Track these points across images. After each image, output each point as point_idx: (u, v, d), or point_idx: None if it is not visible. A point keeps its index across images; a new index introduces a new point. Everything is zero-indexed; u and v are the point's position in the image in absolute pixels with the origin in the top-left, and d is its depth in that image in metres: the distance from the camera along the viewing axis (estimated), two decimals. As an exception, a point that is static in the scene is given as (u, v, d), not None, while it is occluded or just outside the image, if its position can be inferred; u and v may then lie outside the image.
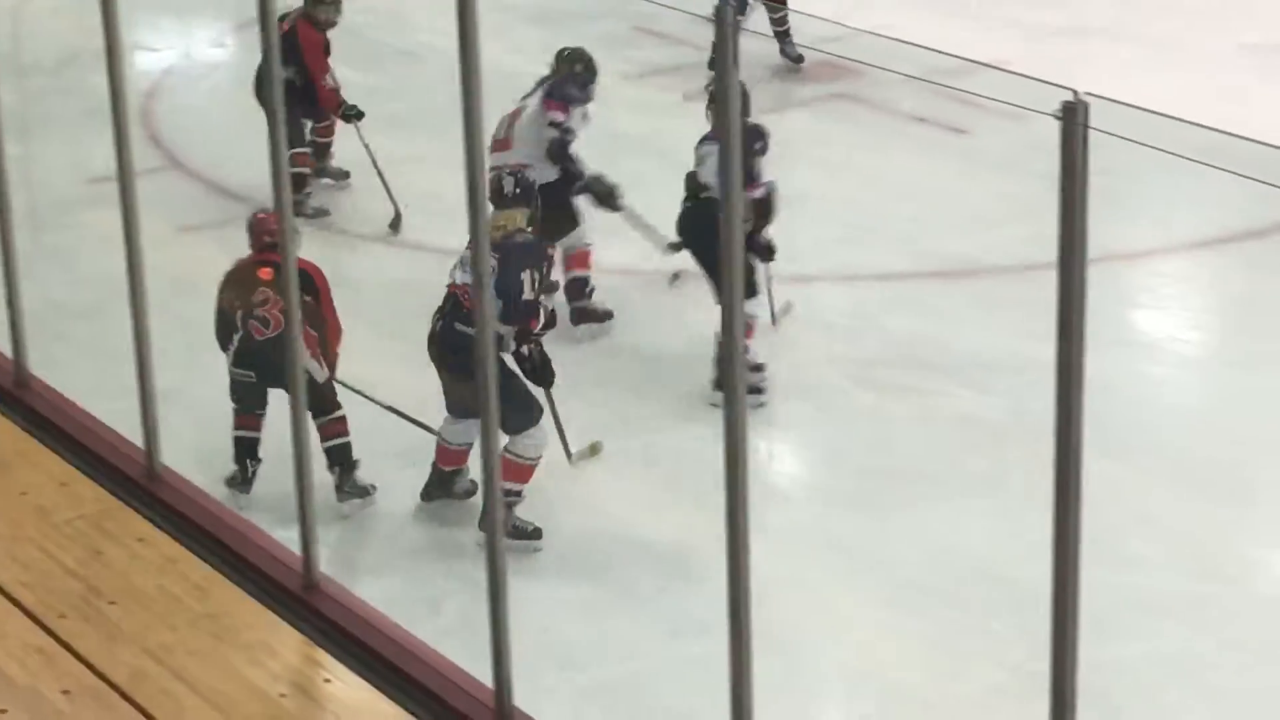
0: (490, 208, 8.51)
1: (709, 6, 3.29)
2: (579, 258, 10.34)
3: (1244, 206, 11.09)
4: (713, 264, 9.48)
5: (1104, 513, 7.71)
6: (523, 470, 8.25)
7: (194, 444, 8.26)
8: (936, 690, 7.27)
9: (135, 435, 4.88)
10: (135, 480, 4.83)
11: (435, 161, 10.65)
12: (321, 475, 8.39)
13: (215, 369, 8.77)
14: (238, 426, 8.60)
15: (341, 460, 8.54)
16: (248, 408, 8.55)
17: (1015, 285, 10.35)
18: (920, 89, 12.15)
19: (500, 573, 3.83)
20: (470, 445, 8.41)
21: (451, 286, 8.34)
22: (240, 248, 8.88)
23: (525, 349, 8.30)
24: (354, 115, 11.66)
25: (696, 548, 7.80)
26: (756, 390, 9.20)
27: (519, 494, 8.27)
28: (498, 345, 8.21)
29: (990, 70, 12.00)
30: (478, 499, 8.33)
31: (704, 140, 9.72)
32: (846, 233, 10.20)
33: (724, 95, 3.21)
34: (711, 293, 9.15)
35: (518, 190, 8.63)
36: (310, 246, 10.25)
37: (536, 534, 8.25)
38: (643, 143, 11.05)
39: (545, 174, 10.06)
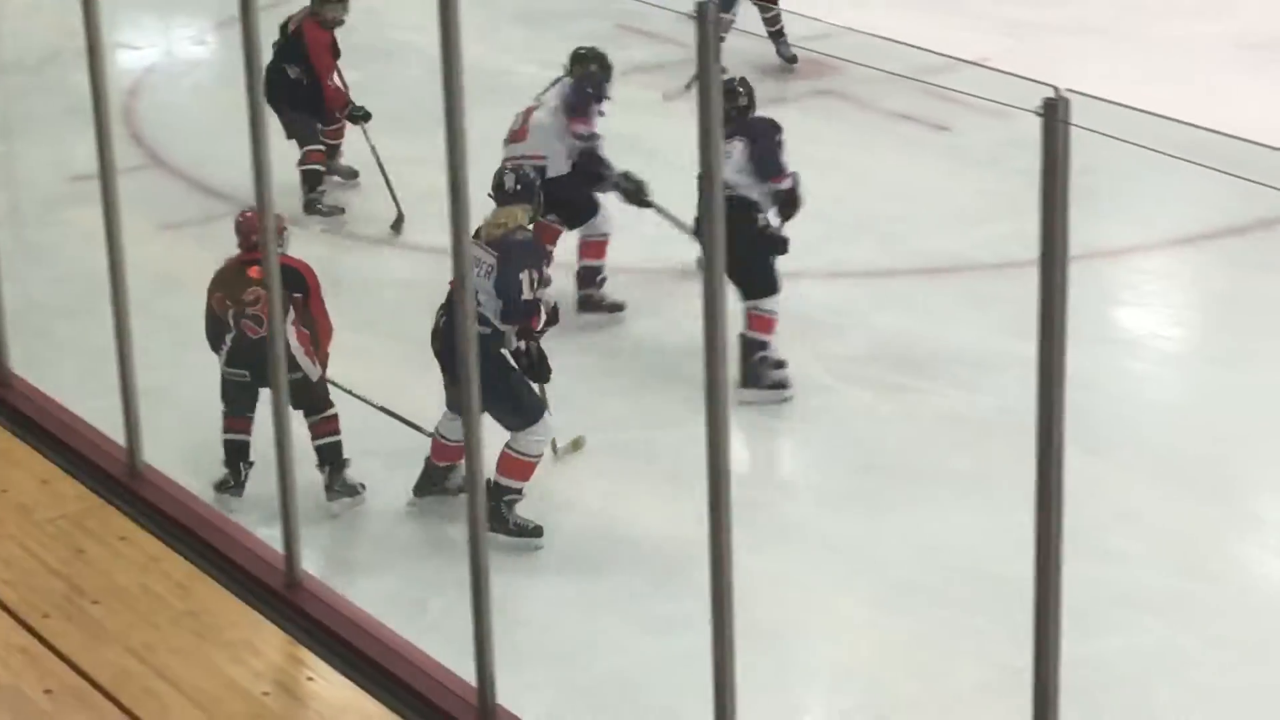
0: (490, 207, 8.51)
1: (691, 4, 3.29)
2: (594, 247, 10.35)
3: (1225, 203, 11.11)
4: (737, 263, 9.48)
5: (1086, 509, 7.72)
6: (524, 467, 8.22)
7: (176, 442, 8.22)
8: (922, 687, 7.27)
9: (117, 434, 4.88)
10: (117, 479, 4.82)
11: (431, 162, 10.64)
12: (313, 475, 8.39)
13: (197, 367, 8.76)
14: (228, 430, 8.53)
15: (331, 459, 8.51)
16: (238, 410, 8.47)
17: (999, 282, 10.36)
18: (904, 86, 12.14)
19: (483, 570, 3.83)
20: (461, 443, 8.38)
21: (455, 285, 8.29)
22: (222, 245, 8.87)
23: (523, 344, 8.28)
24: (361, 116, 11.57)
25: (689, 543, 7.78)
26: (781, 385, 9.30)
27: (520, 491, 8.23)
28: (499, 342, 8.21)
29: (973, 67, 12.02)
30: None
31: None
32: (831, 230, 10.20)
33: (705, 91, 3.21)
34: (735, 292, 9.26)
35: (518, 187, 8.56)
36: (313, 246, 10.27)
37: (537, 532, 8.22)
38: (627, 141, 11.02)
39: (559, 166, 10.09)
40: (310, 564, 7.43)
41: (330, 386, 8.59)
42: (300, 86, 11.64)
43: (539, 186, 8.72)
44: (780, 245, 9.47)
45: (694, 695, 3.76)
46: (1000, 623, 7.16)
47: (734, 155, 9.47)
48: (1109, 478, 8.33)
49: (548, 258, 8.73)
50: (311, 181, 11.73)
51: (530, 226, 8.51)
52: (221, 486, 8.46)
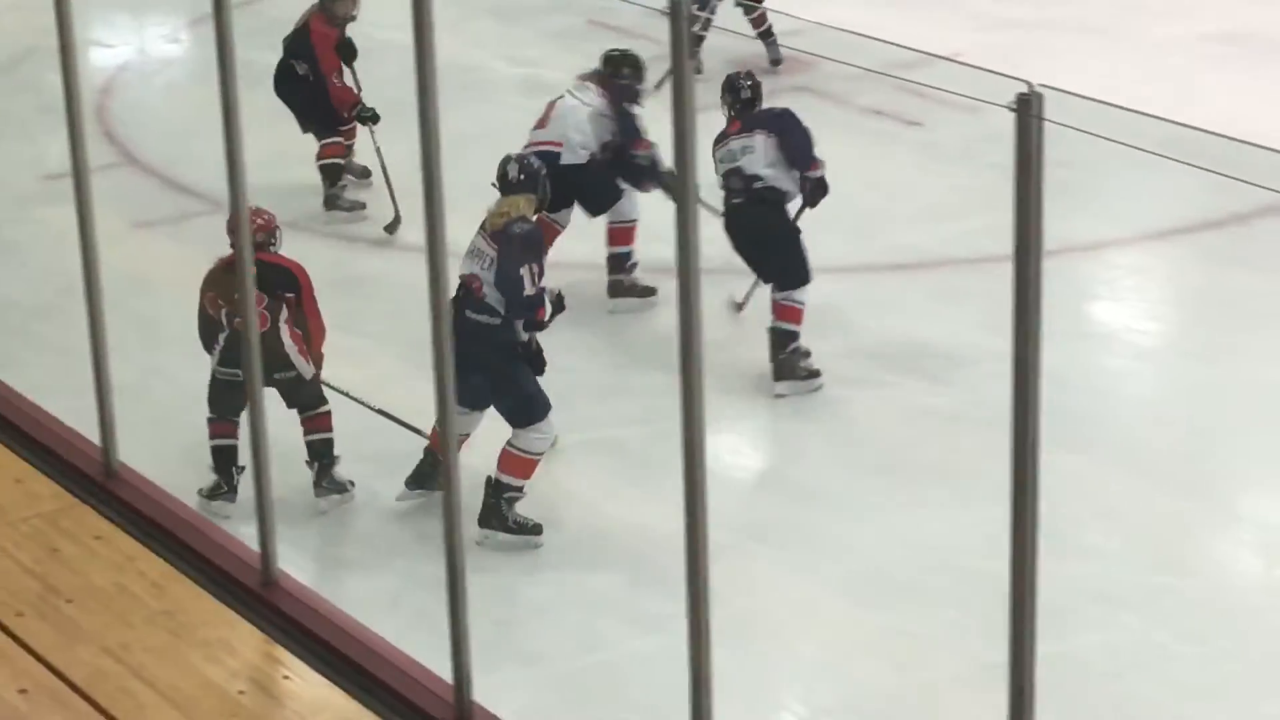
0: (492, 201, 8.47)
1: (664, 0, 3.29)
2: (622, 233, 10.39)
3: (1200, 198, 11.14)
4: (769, 253, 9.55)
5: (1062, 504, 7.75)
6: (526, 465, 8.19)
7: (151, 441, 8.18)
8: (898, 681, 7.28)
9: (92, 433, 4.86)
10: (92, 478, 4.81)
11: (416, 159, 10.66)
12: (304, 475, 8.38)
13: (172, 366, 8.75)
14: (215, 435, 8.45)
15: (321, 455, 8.49)
16: (225, 414, 8.38)
17: (972, 277, 10.37)
18: (878, 82, 12.16)
19: (459, 568, 3.82)
20: (468, 436, 8.35)
21: (461, 276, 8.24)
22: (195, 243, 8.86)
23: (526, 335, 8.25)
24: (369, 117, 11.37)
25: (674, 541, 7.77)
26: (813, 375, 9.39)
27: (520, 489, 8.20)
28: (509, 332, 8.16)
29: (947, 62, 12.03)
30: (473, 497, 8.27)
31: (727, 136, 9.72)
32: (805, 225, 10.19)
33: (679, 87, 3.21)
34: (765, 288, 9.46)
35: (522, 176, 8.49)
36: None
37: (537, 530, 8.19)
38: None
39: (577, 155, 10.14)
40: (304, 563, 7.48)
41: (327, 389, 8.56)
42: (307, 84, 11.55)
43: (545, 175, 8.59)
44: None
45: (673, 692, 3.75)
46: (977, 618, 7.18)
47: (757, 149, 9.58)
48: (1084, 473, 8.34)
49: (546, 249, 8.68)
50: (332, 176, 11.62)
51: (533, 216, 8.44)
52: (214, 493, 8.38)
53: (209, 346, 8.48)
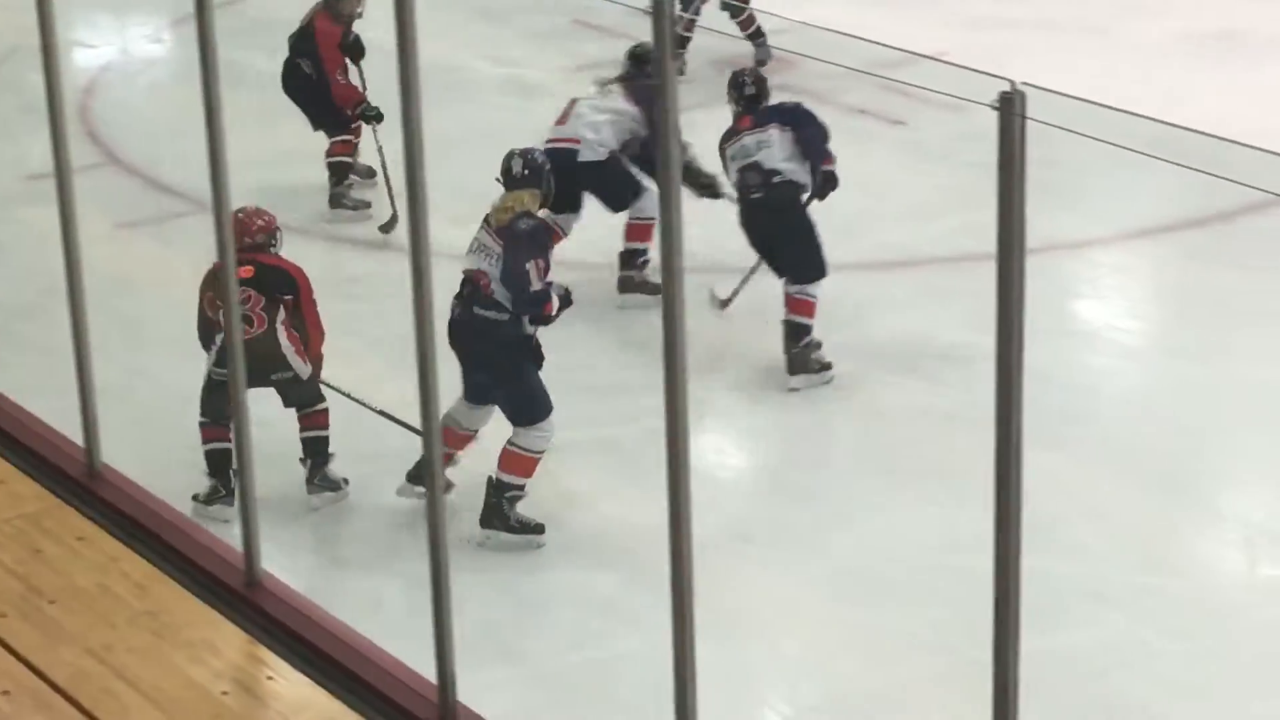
0: (495, 194, 8.41)
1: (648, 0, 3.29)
2: (641, 229, 10.42)
3: (1182, 196, 11.16)
4: (786, 246, 9.58)
5: (1045, 502, 7.76)
6: (528, 464, 8.15)
7: (134, 442, 8.17)
8: (882, 679, 7.29)
9: (75, 433, 4.86)
10: (75, 478, 4.80)
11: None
12: (298, 472, 8.37)
13: (155, 366, 8.74)
14: (209, 440, 8.38)
15: (316, 452, 8.46)
16: (220, 417, 8.26)
17: (956, 276, 10.38)
18: (861, 81, 12.17)
19: (443, 568, 3.82)
20: (475, 432, 8.32)
21: (468, 272, 8.22)
22: (178, 244, 8.85)
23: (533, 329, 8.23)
24: (373, 117, 11.28)
25: (661, 539, 7.76)
26: (826, 367, 9.44)
27: (522, 489, 8.17)
28: (517, 327, 8.14)
29: (930, 62, 12.03)
30: (470, 497, 8.27)
31: (739, 132, 9.76)
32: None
33: (662, 87, 3.21)
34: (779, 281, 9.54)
35: (526, 171, 8.41)
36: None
37: (539, 529, 8.17)
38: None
39: (596, 153, 10.18)
40: (301, 562, 7.46)
41: (328, 390, 8.52)
42: (312, 82, 11.50)
43: (549, 170, 8.52)
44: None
45: (657, 690, 3.75)
46: (961, 615, 7.17)
47: (773, 143, 9.62)
48: (1068, 471, 8.35)
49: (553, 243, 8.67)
50: (339, 174, 11.57)
51: (538, 212, 8.40)
52: (211, 498, 8.30)
53: (207, 346, 8.43)
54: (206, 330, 8.44)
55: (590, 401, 9.15)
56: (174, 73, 14.35)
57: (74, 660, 4.05)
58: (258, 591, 4.32)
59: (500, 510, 8.12)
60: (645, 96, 10.33)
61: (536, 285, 8.09)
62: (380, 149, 11.24)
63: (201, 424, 8.39)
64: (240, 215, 8.51)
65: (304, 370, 8.37)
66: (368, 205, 11.53)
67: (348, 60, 11.44)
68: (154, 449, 8.44)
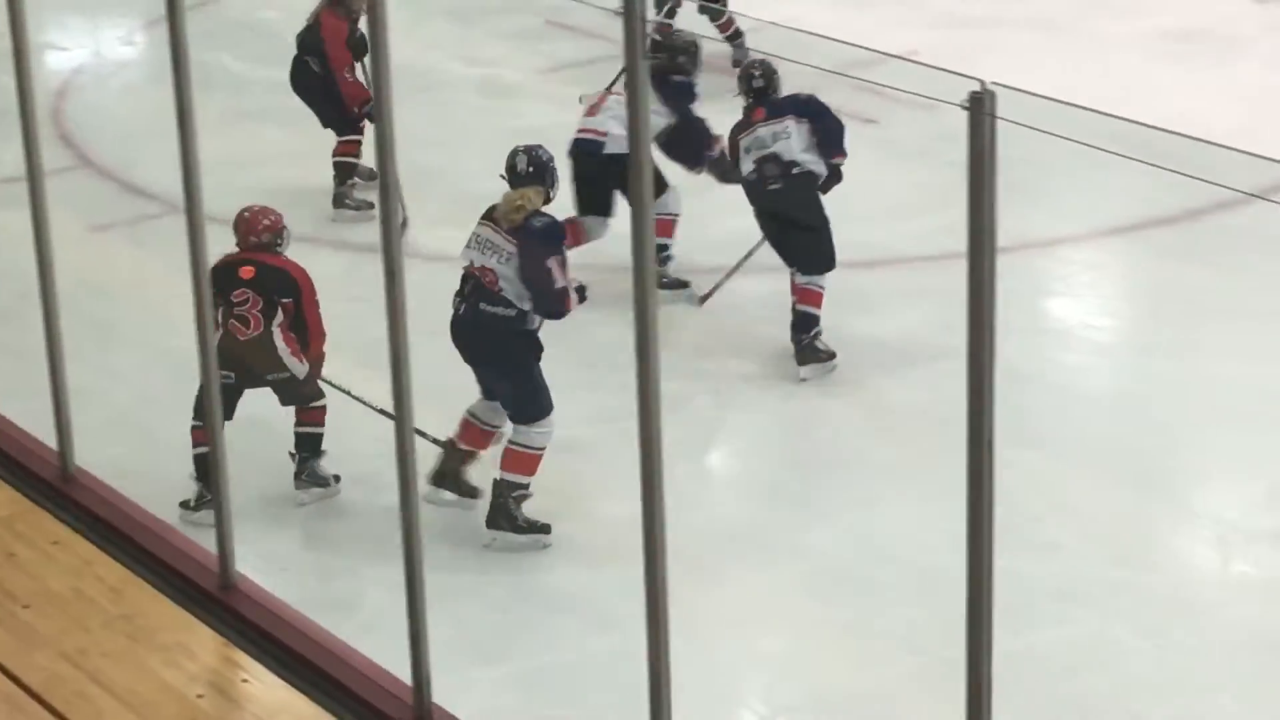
0: (498, 198, 8.35)
1: (619, 0, 3.29)
2: (661, 225, 10.38)
3: (1153, 195, 11.17)
4: (800, 237, 9.62)
5: (1019, 501, 7.79)
6: (532, 461, 8.11)
7: (108, 445, 8.17)
8: (857, 678, 7.29)
9: (48, 437, 4.85)
10: (49, 482, 4.80)
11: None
12: (286, 470, 8.36)
13: (128, 369, 8.72)
14: (200, 443, 8.21)
15: (307, 448, 8.42)
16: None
17: (929, 274, 10.40)
18: (832, 81, 12.16)
19: (417, 568, 3.82)
20: (497, 429, 8.28)
21: (470, 268, 8.15)
22: (151, 246, 8.81)
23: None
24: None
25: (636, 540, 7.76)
26: (832, 355, 9.51)
27: (527, 487, 8.12)
28: (522, 323, 8.10)
29: (901, 61, 12.04)
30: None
31: (752, 124, 9.81)
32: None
33: (634, 87, 3.22)
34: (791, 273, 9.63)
35: (530, 169, 8.30)
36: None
37: (546, 529, 8.12)
38: (555, 136, 10.99)
39: (621, 146, 10.12)
40: (299, 560, 7.41)
41: (332, 390, 8.49)
42: (320, 80, 11.45)
43: (553, 166, 8.41)
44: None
45: (633, 691, 3.76)
46: (934, 614, 7.19)
47: (791, 134, 9.69)
48: (1041, 469, 8.37)
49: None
50: (343, 174, 11.50)
51: (544, 207, 8.33)
52: (199, 503, 8.14)
53: None
54: None
55: (565, 403, 9.16)
56: (147, 75, 14.31)
57: (48, 664, 4.04)
58: (232, 594, 4.32)
59: (507, 510, 8.09)
60: (672, 89, 10.38)
61: (560, 283, 8.06)
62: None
63: (194, 427, 8.23)
64: (246, 214, 8.47)
65: (300, 371, 8.32)
66: (370, 206, 11.49)
67: (355, 58, 11.40)
68: (128, 452, 8.44)
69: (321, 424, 8.44)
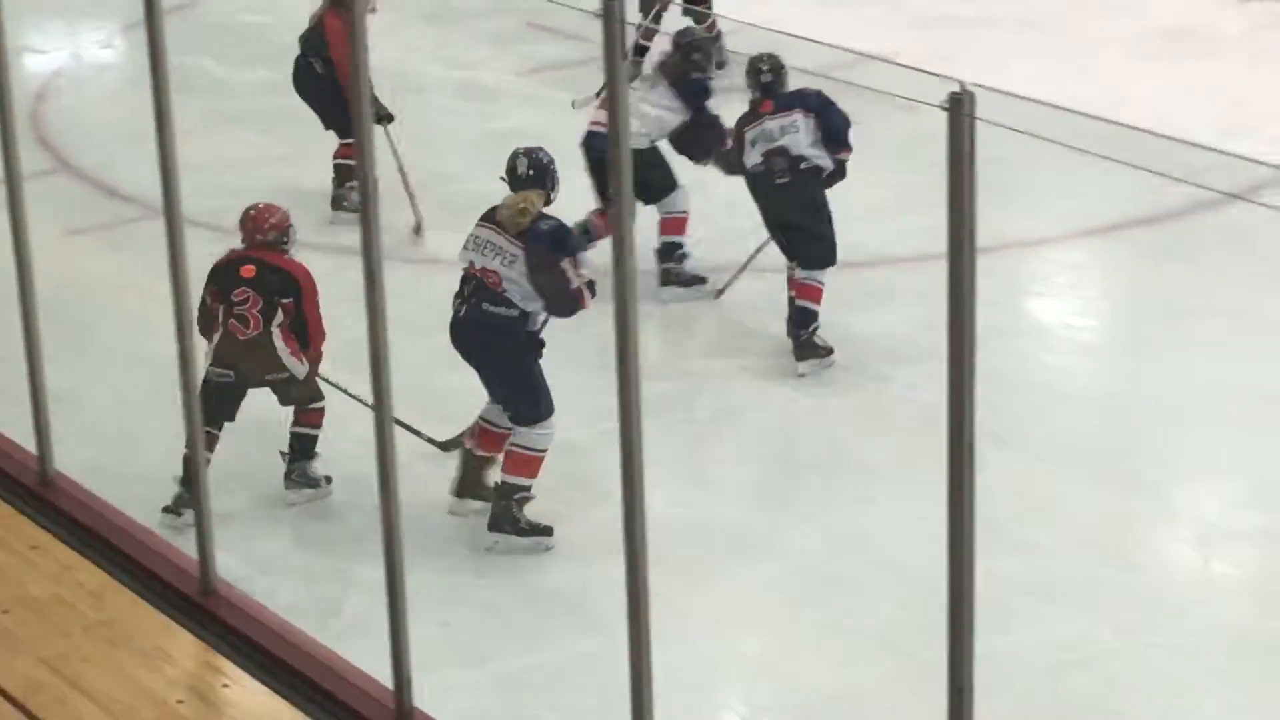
0: (480, 199, 8.34)
1: (599, 3, 3.29)
2: (674, 223, 10.45)
3: (1133, 195, 11.19)
4: (803, 231, 9.63)
5: (999, 501, 7.78)
6: (534, 464, 8.08)
7: (87, 450, 8.14)
8: (837, 679, 7.29)
9: (27, 441, 4.84)
10: (28, 487, 4.79)
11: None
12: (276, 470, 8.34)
13: (107, 373, 8.69)
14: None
15: (300, 449, 8.39)
16: (209, 423, 7.83)
17: (911, 275, 10.40)
18: (811, 81, 12.18)
19: (398, 571, 3.81)
20: (510, 430, 8.18)
21: (471, 270, 8.11)
22: (130, 250, 8.78)
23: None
24: (384, 118, 11.03)
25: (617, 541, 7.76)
26: (829, 351, 9.55)
27: (529, 490, 8.10)
28: (526, 323, 8.08)
29: (881, 62, 12.05)
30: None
31: (759, 116, 9.83)
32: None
33: (613, 88, 3.22)
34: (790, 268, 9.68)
35: (531, 171, 8.29)
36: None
37: (548, 531, 8.10)
38: (536, 138, 10.99)
39: (637, 141, 10.12)
40: (298, 562, 7.38)
41: (333, 390, 8.46)
42: (323, 81, 11.39)
43: (554, 169, 8.37)
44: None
45: (615, 693, 3.76)
46: (916, 614, 7.19)
47: (800, 128, 9.73)
48: (1022, 469, 8.37)
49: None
50: (342, 176, 11.44)
51: (545, 209, 8.23)
52: (176, 503, 8.04)
53: (207, 336, 8.24)
54: (207, 324, 8.24)
55: (565, 405, 9.16)
56: (126, 78, 14.29)
57: (28, 670, 4.03)
58: (213, 599, 4.31)
59: (510, 513, 8.07)
60: (688, 87, 10.43)
61: (575, 283, 8.03)
62: (395, 150, 11.04)
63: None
64: (252, 212, 8.42)
65: (300, 371, 8.27)
66: None
67: None
68: (107, 456, 8.41)
69: (319, 426, 8.41)
